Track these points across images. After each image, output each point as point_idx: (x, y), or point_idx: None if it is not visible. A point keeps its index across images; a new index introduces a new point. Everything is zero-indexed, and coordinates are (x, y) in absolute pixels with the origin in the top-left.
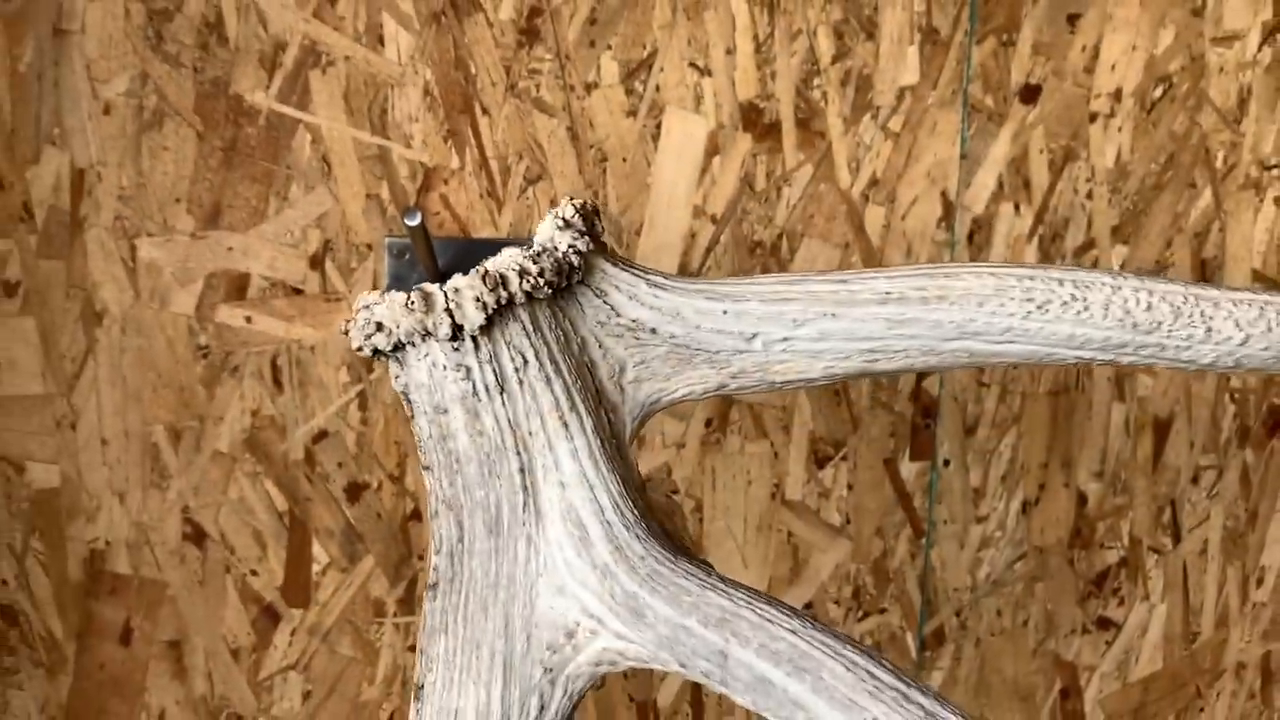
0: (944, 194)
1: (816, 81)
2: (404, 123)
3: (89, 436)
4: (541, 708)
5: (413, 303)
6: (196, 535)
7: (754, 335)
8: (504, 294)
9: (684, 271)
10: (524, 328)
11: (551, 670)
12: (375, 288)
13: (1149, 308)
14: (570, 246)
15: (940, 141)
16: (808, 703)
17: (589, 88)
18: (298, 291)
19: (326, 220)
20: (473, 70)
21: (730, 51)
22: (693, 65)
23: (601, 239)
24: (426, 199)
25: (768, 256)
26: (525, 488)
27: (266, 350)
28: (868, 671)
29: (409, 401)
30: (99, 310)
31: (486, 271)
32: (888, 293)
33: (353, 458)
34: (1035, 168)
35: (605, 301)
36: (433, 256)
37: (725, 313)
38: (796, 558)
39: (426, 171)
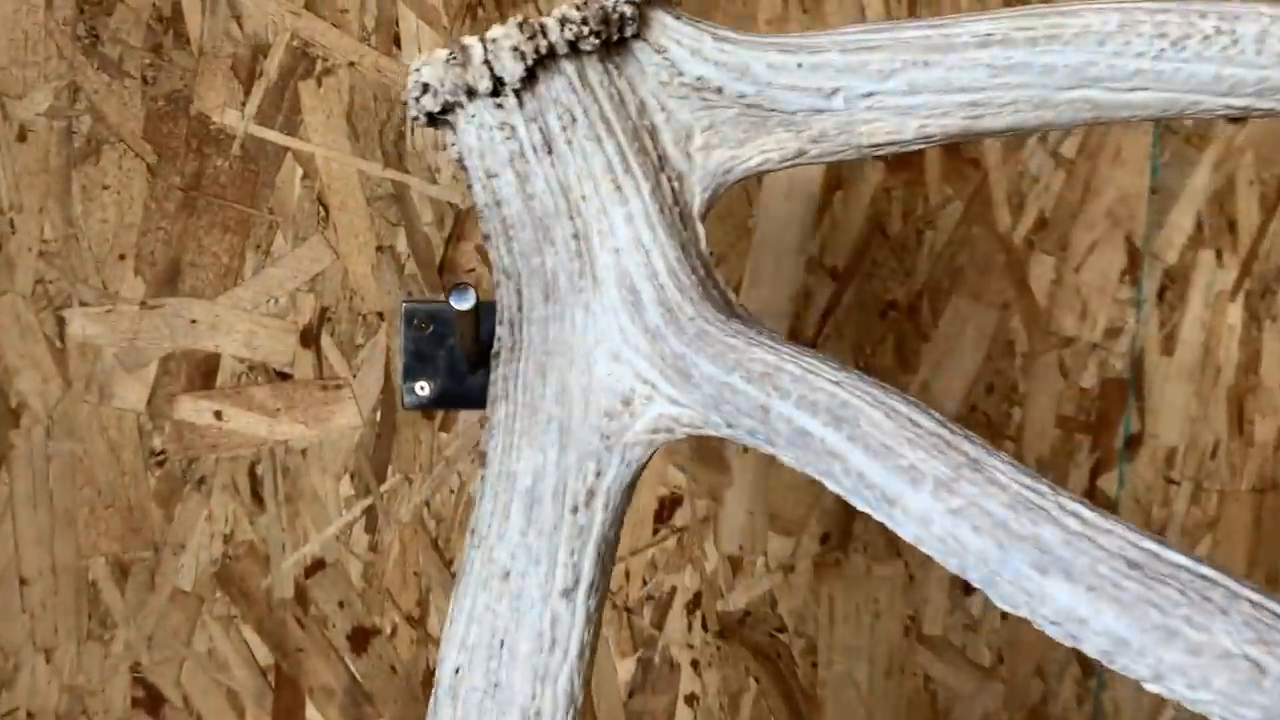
0: (1129, 238)
1: None
2: (427, 151)
3: (4, 573)
4: (598, 473)
5: (454, 57)
6: (151, 701)
7: (834, 90)
8: (543, 43)
9: (795, 338)
10: (570, 83)
11: (609, 437)
12: (388, 366)
13: None
14: None
15: (1125, 171)
16: (843, 451)
17: None
18: (284, 377)
19: (323, 282)
20: None
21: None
22: None
23: None
24: (457, 253)
25: (904, 321)
26: (580, 254)
27: (243, 456)
28: (909, 419)
29: (465, 169)
30: (15, 406)
31: (525, 19)
32: (989, 34)
33: (359, 595)
34: (1243, 204)
35: (666, 58)
36: (478, 342)
37: (800, 66)
38: (935, 707)
39: (458, 215)
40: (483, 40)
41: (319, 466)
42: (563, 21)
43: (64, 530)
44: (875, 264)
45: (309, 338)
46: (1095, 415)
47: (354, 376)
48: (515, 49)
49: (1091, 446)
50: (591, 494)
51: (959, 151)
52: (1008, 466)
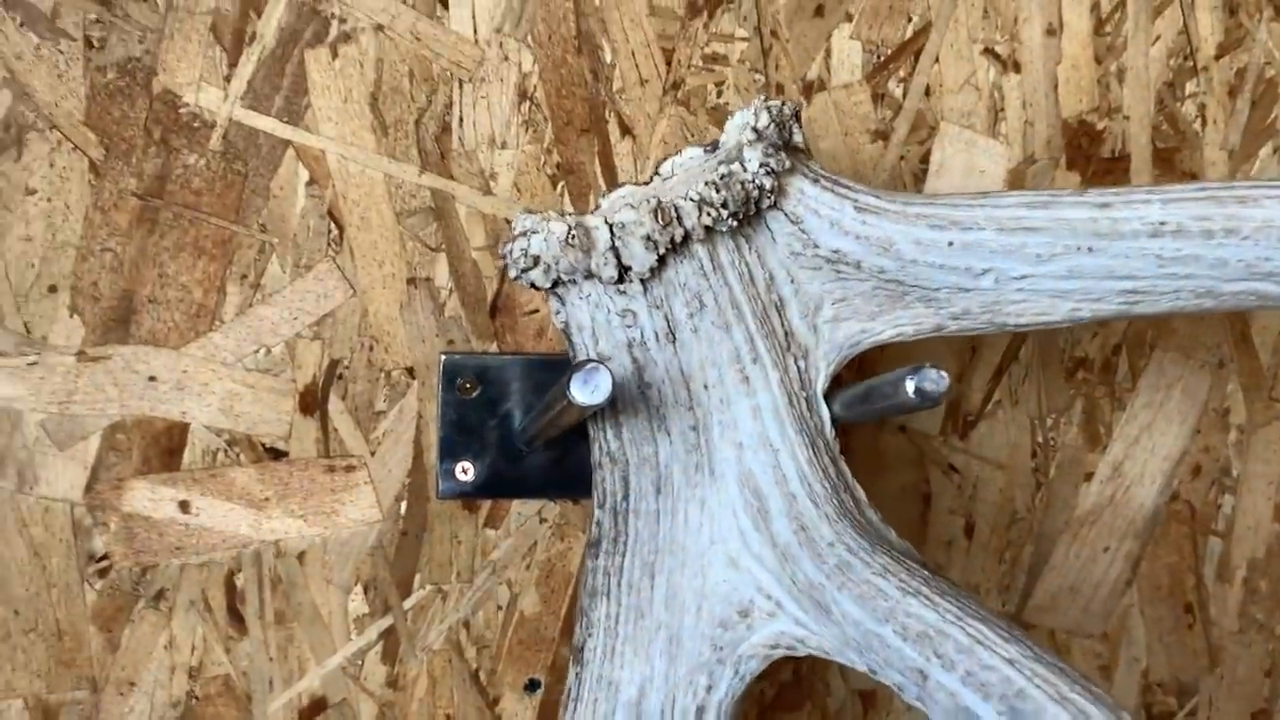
0: None
1: (1191, 87)
2: (480, 148)
3: None
4: (709, 687)
5: (574, 238)
6: None
7: (985, 271)
8: (679, 231)
9: (958, 404)
10: (701, 267)
11: (722, 649)
12: (419, 441)
13: None
14: (762, 166)
15: None
16: None
17: (810, 89)
18: (277, 455)
19: (333, 325)
20: (607, 56)
21: (1053, 32)
22: (989, 53)
23: (799, 148)
24: (515, 289)
25: (1095, 384)
26: (699, 446)
27: (217, 561)
28: None
29: (570, 341)
30: None
31: (660, 203)
32: (1162, 223)
33: None
34: None
35: (801, 229)
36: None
37: (951, 244)
38: None
39: None
40: (609, 223)
41: (322, 575)
42: (700, 204)
43: None
44: None
45: (312, 401)
46: None
47: (372, 454)
48: (648, 238)
49: None
50: (702, 710)
51: (1172, 164)
52: None
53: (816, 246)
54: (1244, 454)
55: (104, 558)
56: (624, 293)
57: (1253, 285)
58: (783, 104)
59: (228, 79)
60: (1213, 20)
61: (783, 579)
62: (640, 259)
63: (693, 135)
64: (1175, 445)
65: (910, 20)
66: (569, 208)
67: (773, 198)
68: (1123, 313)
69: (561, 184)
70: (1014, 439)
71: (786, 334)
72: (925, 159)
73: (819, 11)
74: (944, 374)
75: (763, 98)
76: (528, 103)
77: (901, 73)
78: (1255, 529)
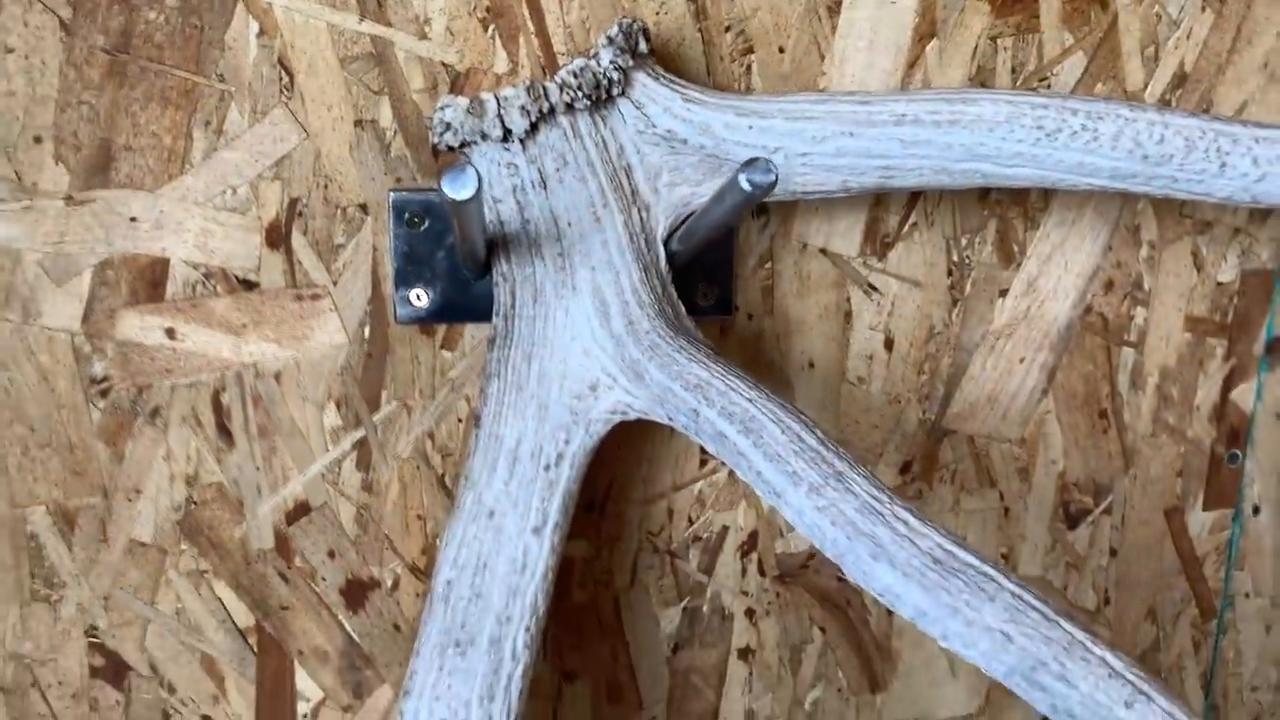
0: None
1: None
2: None
3: None
4: (567, 441)
5: (473, 108)
6: (113, 669)
7: (777, 149)
8: (545, 105)
9: (874, 229)
10: (564, 134)
11: (577, 414)
12: (376, 271)
13: (1161, 140)
14: (611, 63)
15: None
16: (749, 453)
17: None
18: (249, 285)
19: (290, 165)
20: None
21: None
22: None
23: (644, 54)
24: None
25: (1008, 205)
26: (564, 268)
27: (204, 382)
28: (798, 435)
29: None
30: None
31: (533, 83)
32: (903, 115)
33: (352, 543)
34: None
35: (643, 113)
36: (484, 237)
37: (750, 128)
38: None
39: (455, 79)
40: (497, 98)
41: (297, 393)
42: (562, 86)
43: None
44: None
45: (276, 236)
46: (1233, 315)
47: (334, 284)
48: (523, 108)
49: (1226, 353)
50: (560, 456)
51: None
52: (863, 480)
53: (654, 126)
54: (1155, 268)
55: (104, 380)
56: (508, 150)
57: (975, 165)
58: (633, 22)
59: None
60: None
61: (616, 359)
62: (518, 124)
63: None
64: (1088, 261)
65: None
66: (500, 50)
67: (621, 87)
68: (881, 185)
69: (492, 27)
70: (930, 258)
71: (633, 191)
72: None
73: None
74: (773, 164)
75: (622, 18)
76: None
77: None
78: (1167, 339)
